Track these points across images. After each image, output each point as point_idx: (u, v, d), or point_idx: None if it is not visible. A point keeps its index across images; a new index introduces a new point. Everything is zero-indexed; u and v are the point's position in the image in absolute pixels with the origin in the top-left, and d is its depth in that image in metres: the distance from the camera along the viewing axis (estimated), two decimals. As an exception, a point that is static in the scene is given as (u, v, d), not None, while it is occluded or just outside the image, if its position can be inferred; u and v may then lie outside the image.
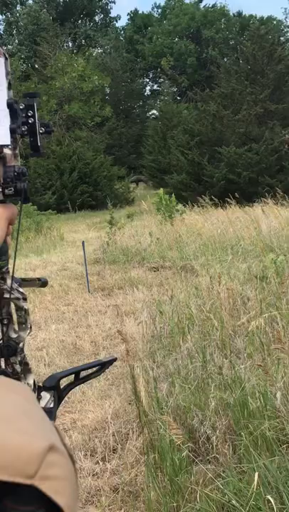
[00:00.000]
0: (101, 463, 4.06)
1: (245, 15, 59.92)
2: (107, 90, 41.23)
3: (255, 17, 57.14)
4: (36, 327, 8.00)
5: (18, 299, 1.24)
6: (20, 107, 1.25)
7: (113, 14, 64.11)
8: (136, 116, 49.59)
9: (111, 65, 45.10)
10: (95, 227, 20.48)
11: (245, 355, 4.64)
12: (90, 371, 1.41)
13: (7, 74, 1.23)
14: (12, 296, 1.22)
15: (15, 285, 1.24)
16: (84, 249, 10.67)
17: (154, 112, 49.75)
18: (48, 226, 19.27)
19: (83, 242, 10.94)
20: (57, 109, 35.20)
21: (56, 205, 27.68)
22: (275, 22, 53.28)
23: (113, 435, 4.33)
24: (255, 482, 2.44)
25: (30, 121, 1.27)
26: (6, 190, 1.17)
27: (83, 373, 1.40)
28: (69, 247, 15.77)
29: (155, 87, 57.69)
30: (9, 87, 1.23)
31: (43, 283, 1.49)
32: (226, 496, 2.65)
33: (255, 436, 3.01)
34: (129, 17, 61.86)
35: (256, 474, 2.46)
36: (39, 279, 1.48)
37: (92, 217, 25.52)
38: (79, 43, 52.02)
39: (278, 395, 3.16)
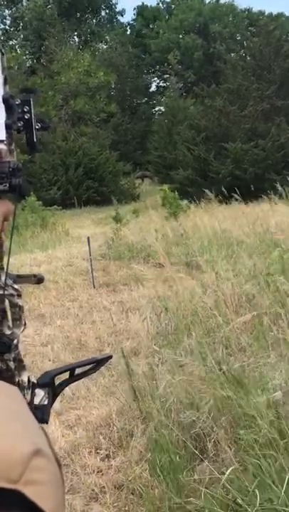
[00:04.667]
0: (106, 460, 4.07)
1: (253, 10, 59.76)
2: (113, 86, 41.13)
3: (264, 13, 56.93)
4: (41, 323, 8.01)
5: (12, 295, 1.23)
6: (17, 103, 1.24)
7: (118, 9, 63.64)
8: (142, 112, 49.52)
9: (117, 61, 45.02)
10: (100, 223, 20.47)
11: (249, 352, 4.63)
12: (85, 368, 1.41)
13: (3, 69, 1.22)
14: (6, 292, 1.21)
15: (9, 281, 1.24)
16: (89, 245, 10.67)
17: (160, 107, 49.65)
18: (54, 221, 19.27)
19: (88, 238, 10.94)
20: (63, 104, 35.16)
21: (61, 200, 27.68)
22: (284, 18, 52.92)
23: (118, 432, 4.33)
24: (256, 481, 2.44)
25: (26, 117, 1.27)
26: (1, 186, 1.17)
27: (79, 370, 1.39)
28: (74, 242, 15.76)
29: (161, 82, 57.58)
30: (5, 82, 1.23)
31: (38, 279, 1.48)
32: (230, 495, 2.65)
33: (258, 434, 3.00)
34: (136, 11, 61.59)
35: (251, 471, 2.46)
36: (35, 276, 1.47)
37: (97, 212, 25.51)
38: (85, 39, 51.95)
39: (280, 393, 3.16)
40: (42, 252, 14.49)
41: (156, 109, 53.13)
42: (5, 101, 1.18)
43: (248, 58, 30.29)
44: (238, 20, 57.94)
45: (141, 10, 61.13)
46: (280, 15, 54.40)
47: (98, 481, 3.75)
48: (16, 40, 48.52)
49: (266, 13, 56.42)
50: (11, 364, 1.17)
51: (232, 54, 34.60)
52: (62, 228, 18.39)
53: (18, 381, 1.17)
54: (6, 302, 1.22)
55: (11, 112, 1.19)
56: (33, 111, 1.25)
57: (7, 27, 49.28)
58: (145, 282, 9.60)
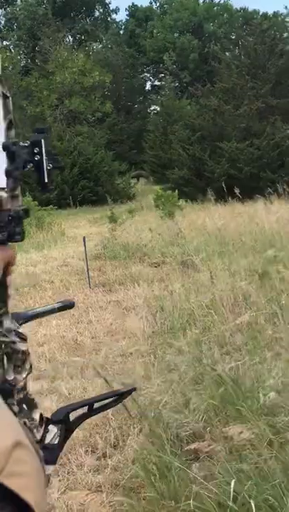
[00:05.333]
0: (102, 459, 4.07)
1: (248, 9, 59.72)
2: (108, 85, 41.08)
3: (258, 12, 56.90)
4: (37, 322, 8.00)
5: (14, 342, 1.22)
6: (25, 144, 1.23)
7: (112, 7, 63.50)
8: (137, 112, 49.46)
9: (112, 61, 44.99)
10: (95, 223, 20.46)
11: (244, 351, 4.64)
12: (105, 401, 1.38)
13: (7, 113, 1.21)
14: (7, 339, 1.20)
15: (14, 326, 1.23)
16: (85, 245, 10.67)
17: (155, 107, 49.65)
18: (49, 222, 19.26)
19: (84, 238, 10.93)
20: (58, 104, 35.12)
21: (57, 200, 27.62)
22: (280, 18, 52.82)
23: (114, 431, 4.34)
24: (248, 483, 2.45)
25: (36, 158, 1.25)
26: (0, 235, 1.16)
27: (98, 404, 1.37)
28: (70, 242, 15.76)
29: (156, 82, 57.55)
30: (10, 126, 1.22)
31: (63, 307, 1.47)
32: (225, 494, 2.66)
33: (253, 433, 3.01)
34: (128, 12, 61.54)
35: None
36: (59, 308, 1.45)
37: (93, 212, 25.50)
38: (79, 38, 51.91)
39: (272, 393, 3.17)
40: (38, 252, 14.48)
41: (152, 108, 53.13)
42: (5, 148, 1.17)
43: (243, 57, 30.26)
44: (233, 19, 57.95)
45: (133, 10, 61.10)
46: (277, 14, 54.35)
47: (94, 480, 3.76)
48: (10, 40, 48.48)
49: (261, 13, 56.44)
50: (15, 408, 1.16)
51: (227, 53, 34.51)
52: (58, 228, 18.38)
53: (24, 422, 1.16)
54: (9, 348, 1.21)
55: (12, 158, 1.19)
56: (44, 151, 1.24)
57: (1, 27, 49.24)
58: (141, 282, 9.61)
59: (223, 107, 27.54)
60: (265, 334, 4.93)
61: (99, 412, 1.40)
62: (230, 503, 2.57)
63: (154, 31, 55.64)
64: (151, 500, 3.06)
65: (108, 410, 4.61)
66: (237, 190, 15.81)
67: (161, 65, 50.89)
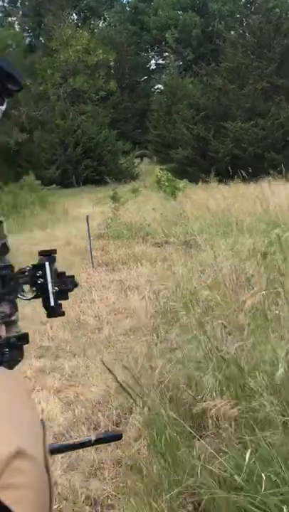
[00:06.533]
0: (104, 436, 4.09)
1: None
2: (112, 64, 40.70)
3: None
4: (40, 301, 8.00)
5: None
6: (28, 268, 1.19)
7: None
8: (141, 91, 49.07)
9: (116, 38, 44.57)
10: (98, 202, 20.40)
11: (248, 331, 4.63)
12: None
13: (1, 237, 1.18)
14: None
15: None
16: (88, 224, 10.64)
17: (159, 86, 49.23)
18: (53, 201, 19.23)
19: (87, 217, 10.90)
20: (61, 82, 34.86)
21: (60, 179, 27.60)
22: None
23: (116, 409, 4.35)
24: (250, 456, 2.45)
25: (39, 282, 1.20)
26: None
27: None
28: (73, 222, 15.73)
29: (160, 60, 56.98)
30: (4, 250, 1.18)
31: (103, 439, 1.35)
32: (228, 471, 2.66)
33: (257, 412, 3.01)
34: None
35: (248, 452, 2.47)
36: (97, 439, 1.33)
37: (96, 192, 25.41)
38: (84, 15, 51.35)
39: (280, 371, 3.16)
40: (41, 231, 14.48)
41: (156, 87, 52.68)
42: None
43: (248, 36, 29.93)
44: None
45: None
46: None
47: (97, 458, 3.77)
48: (14, 17, 47.95)
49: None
50: None
51: (231, 32, 34.13)
52: (61, 207, 18.35)
53: None
54: None
55: (3, 282, 1.15)
56: (48, 274, 1.19)
57: (5, 4, 48.69)
58: (144, 261, 9.60)
59: (227, 86, 27.34)
60: (268, 314, 4.91)
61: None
62: (237, 478, 2.57)
63: (158, 9, 54.95)
64: (154, 477, 3.07)
65: (109, 388, 4.63)
66: (241, 171, 15.72)
67: (164, 43, 50.35)
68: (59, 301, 1.24)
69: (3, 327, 1.16)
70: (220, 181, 19.16)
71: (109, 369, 3.41)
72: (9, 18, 46.82)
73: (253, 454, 2.57)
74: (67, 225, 15.48)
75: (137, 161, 36.50)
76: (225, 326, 4.99)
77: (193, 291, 6.24)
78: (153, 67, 56.43)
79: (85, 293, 8.25)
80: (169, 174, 18.59)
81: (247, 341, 4.01)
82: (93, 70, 36.45)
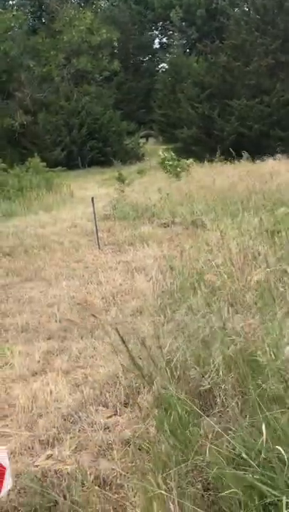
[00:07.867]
0: (112, 417, 4.10)
1: None
2: (116, 44, 40.34)
3: None
4: (47, 283, 8.02)
5: None
6: None
7: None
8: (145, 70, 48.72)
9: (119, 18, 44.17)
10: (104, 184, 20.35)
11: (255, 309, 4.62)
12: None
13: None
14: None
15: None
16: (93, 206, 10.62)
17: (164, 65, 48.86)
18: (58, 183, 19.18)
19: (93, 199, 10.88)
20: (65, 63, 34.58)
21: (66, 161, 27.46)
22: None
23: (124, 389, 4.36)
24: (265, 435, 2.44)
25: None
26: None
27: None
28: (79, 203, 15.70)
29: (164, 39, 56.45)
30: None
31: None
32: (236, 449, 2.66)
33: (264, 390, 3.00)
34: None
35: (263, 426, 2.47)
36: None
37: (101, 173, 25.36)
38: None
39: (288, 348, 3.14)
40: (46, 213, 14.46)
41: (160, 66, 52.27)
42: None
43: (252, 13, 29.56)
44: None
45: None
46: None
47: (106, 438, 3.79)
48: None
49: None
50: None
51: (235, 9, 33.76)
52: (66, 189, 18.30)
53: None
54: None
55: None
56: None
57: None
58: (150, 242, 9.58)
59: (232, 63, 27.07)
60: (275, 292, 4.89)
61: None
62: (245, 456, 2.57)
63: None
64: (162, 456, 3.08)
65: (117, 369, 4.63)
66: (247, 149, 15.64)
67: (168, 21, 49.85)
68: None
69: None
70: (226, 160, 19.04)
71: (124, 341, 3.40)
72: (10, 1, 46.32)
73: (260, 433, 2.56)
74: (73, 206, 15.45)
75: (142, 141, 36.33)
76: (232, 305, 4.98)
77: (200, 271, 6.23)
78: (157, 46, 55.87)
79: (91, 274, 8.25)
80: (173, 154, 18.49)
81: (254, 320, 3.99)
82: (97, 51, 36.10)
